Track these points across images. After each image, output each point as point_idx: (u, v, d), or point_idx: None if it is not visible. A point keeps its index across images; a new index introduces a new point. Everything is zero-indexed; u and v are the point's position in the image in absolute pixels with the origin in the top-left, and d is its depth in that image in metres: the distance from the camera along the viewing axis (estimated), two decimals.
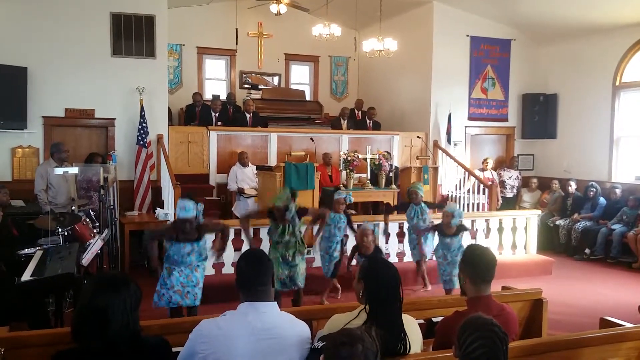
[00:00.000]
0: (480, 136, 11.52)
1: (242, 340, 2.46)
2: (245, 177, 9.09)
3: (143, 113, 8.65)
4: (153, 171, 8.91)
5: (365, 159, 8.87)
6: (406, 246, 7.51)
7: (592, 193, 9.67)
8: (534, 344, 3.02)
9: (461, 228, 6.25)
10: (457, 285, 6.07)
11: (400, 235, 7.73)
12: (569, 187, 10.09)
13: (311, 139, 9.76)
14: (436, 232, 6.42)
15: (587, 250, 9.24)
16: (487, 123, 11.45)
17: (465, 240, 7.83)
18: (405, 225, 7.34)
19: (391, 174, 9.06)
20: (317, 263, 6.95)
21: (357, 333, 2.03)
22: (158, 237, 5.28)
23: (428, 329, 3.55)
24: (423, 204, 6.87)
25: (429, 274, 7.13)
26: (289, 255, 5.66)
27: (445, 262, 6.22)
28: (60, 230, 5.62)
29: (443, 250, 6.25)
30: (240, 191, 8.90)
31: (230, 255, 6.74)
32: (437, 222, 6.50)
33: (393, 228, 7.63)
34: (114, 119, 8.85)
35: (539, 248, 8.62)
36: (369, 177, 9.05)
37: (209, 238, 5.62)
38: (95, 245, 5.47)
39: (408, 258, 7.49)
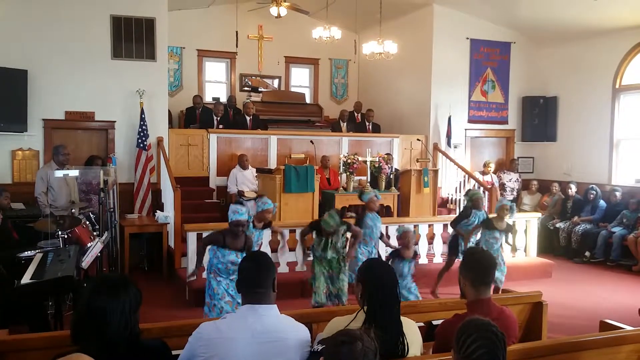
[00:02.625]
0: (480, 139, 11.52)
1: (242, 343, 2.46)
2: (245, 180, 9.10)
3: (143, 116, 8.65)
4: (153, 174, 8.90)
5: (365, 162, 8.88)
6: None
7: (592, 196, 9.67)
8: (534, 347, 3.02)
9: (512, 228, 6.37)
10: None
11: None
12: (569, 190, 10.10)
13: (311, 141, 9.77)
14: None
15: (587, 253, 9.24)
16: (487, 126, 11.45)
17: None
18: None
19: (391, 177, 9.06)
20: None
21: (356, 332, 2.04)
22: (211, 243, 5.19)
23: (428, 332, 3.54)
24: (484, 211, 6.82)
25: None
26: (333, 273, 5.71)
27: None
28: (60, 233, 5.62)
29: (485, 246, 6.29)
30: (240, 194, 8.90)
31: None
32: None
33: (392, 231, 7.63)
34: (114, 121, 8.85)
35: (539, 251, 8.63)
36: (369, 180, 9.05)
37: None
38: (95, 248, 5.48)
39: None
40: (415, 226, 7.64)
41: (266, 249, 6.62)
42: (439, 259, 7.87)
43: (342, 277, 5.74)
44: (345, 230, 5.74)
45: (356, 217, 6.61)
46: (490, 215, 6.81)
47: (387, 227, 7.56)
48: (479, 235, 6.65)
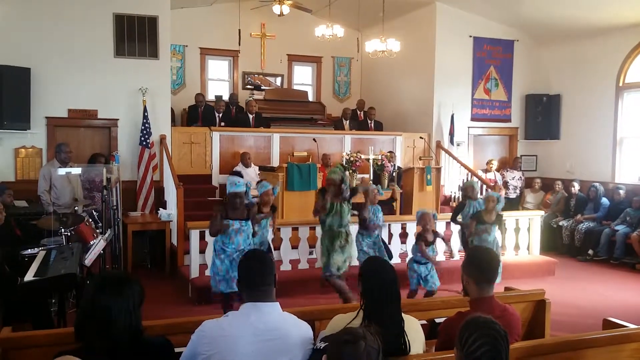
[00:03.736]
0: (483, 137, 11.50)
1: (244, 340, 2.46)
2: (247, 178, 9.08)
3: (146, 114, 8.66)
4: (156, 172, 8.92)
5: (367, 160, 8.87)
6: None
7: (592, 194, 9.65)
8: (537, 345, 3.01)
9: (499, 218, 6.34)
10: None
11: (403, 236, 7.73)
12: (573, 188, 10.07)
13: (314, 139, 9.77)
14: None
15: (590, 251, 9.22)
16: (490, 124, 11.43)
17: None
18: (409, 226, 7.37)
19: (394, 175, 9.06)
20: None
21: (359, 331, 2.04)
22: (219, 227, 5.37)
23: (431, 330, 3.54)
24: (481, 200, 6.84)
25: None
26: (339, 244, 5.85)
27: None
28: (63, 230, 5.63)
29: (477, 242, 6.26)
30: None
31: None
32: None
33: (395, 229, 7.65)
34: (117, 119, 8.86)
35: (542, 249, 8.61)
36: (371, 178, 9.04)
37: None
38: (98, 245, 5.48)
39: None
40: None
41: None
42: (441, 257, 7.84)
43: (345, 251, 5.90)
44: (348, 188, 5.87)
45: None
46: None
47: (389, 224, 7.58)
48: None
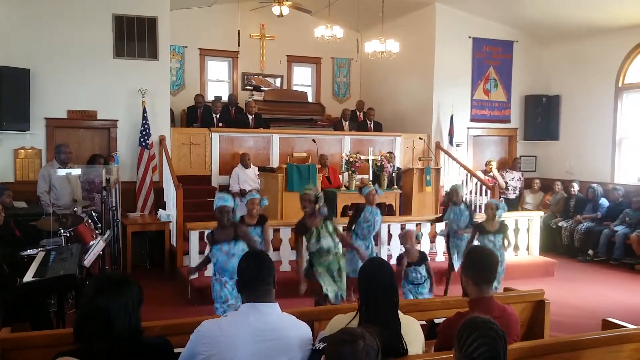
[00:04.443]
0: (482, 137, 11.50)
1: (243, 341, 2.45)
2: (247, 179, 9.10)
3: (145, 114, 8.66)
4: (155, 172, 8.92)
5: (367, 161, 8.87)
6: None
7: (590, 195, 9.66)
8: (536, 346, 3.01)
9: (504, 227, 6.17)
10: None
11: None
12: (572, 189, 10.07)
13: (313, 140, 9.77)
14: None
15: (589, 252, 9.22)
16: (489, 124, 11.44)
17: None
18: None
19: (393, 175, 9.06)
20: None
21: (357, 331, 2.05)
22: (210, 244, 5.01)
23: (430, 330, 3.55)
24: (463, 205, 6.75)
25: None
26: (334, 272, 5.44)
27: None
28: (62, 231, 5.63)
29: None
30: (242, 192, 8.90)
31: None
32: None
33: (395, 229, 7.64)
34: (117, 120, 8.86)
35: (542, 249, 8.61)
36: (371, 179, 9.04)
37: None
38: (97, 246, 5.48)
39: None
40: (417, 225, 7.63)
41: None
42: (441, 257, 7.86)
43: (342, 274, 5.53)
44: (323, 203, 5.45)
45: (355, 211, 6.53)
46: (481, 219, 6.65)
47: (389, 225, 7.58)
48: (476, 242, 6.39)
